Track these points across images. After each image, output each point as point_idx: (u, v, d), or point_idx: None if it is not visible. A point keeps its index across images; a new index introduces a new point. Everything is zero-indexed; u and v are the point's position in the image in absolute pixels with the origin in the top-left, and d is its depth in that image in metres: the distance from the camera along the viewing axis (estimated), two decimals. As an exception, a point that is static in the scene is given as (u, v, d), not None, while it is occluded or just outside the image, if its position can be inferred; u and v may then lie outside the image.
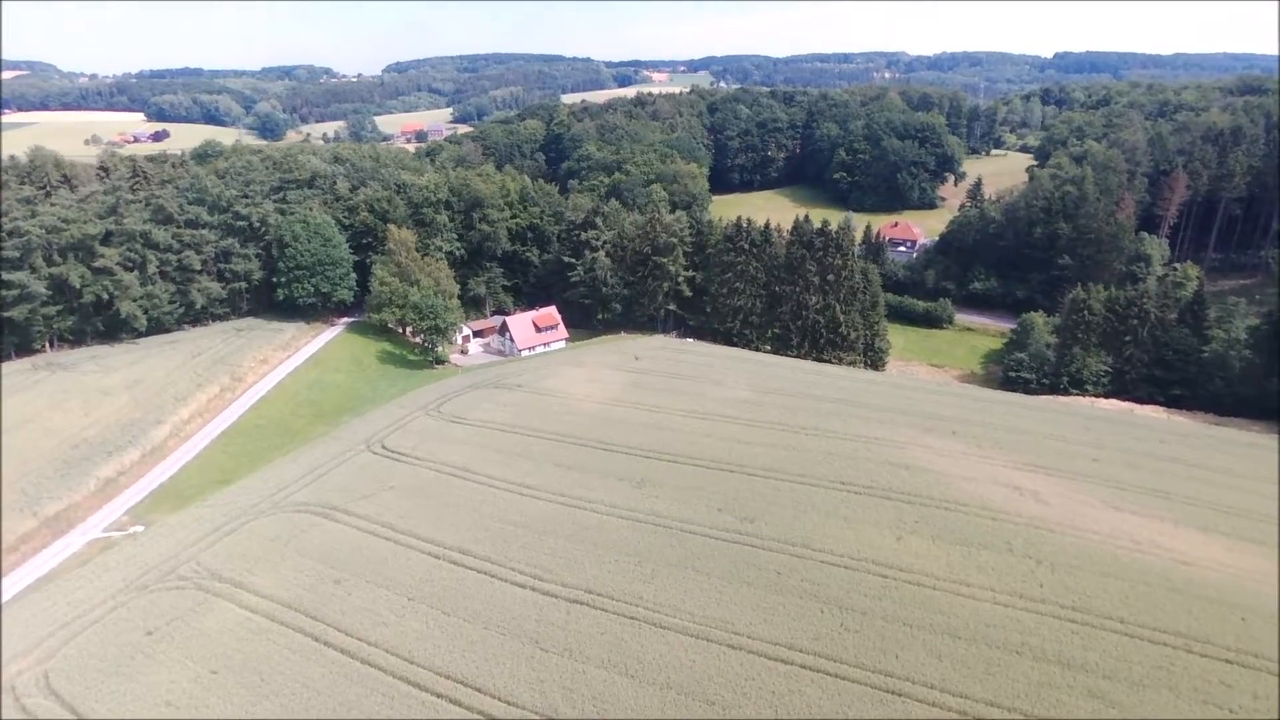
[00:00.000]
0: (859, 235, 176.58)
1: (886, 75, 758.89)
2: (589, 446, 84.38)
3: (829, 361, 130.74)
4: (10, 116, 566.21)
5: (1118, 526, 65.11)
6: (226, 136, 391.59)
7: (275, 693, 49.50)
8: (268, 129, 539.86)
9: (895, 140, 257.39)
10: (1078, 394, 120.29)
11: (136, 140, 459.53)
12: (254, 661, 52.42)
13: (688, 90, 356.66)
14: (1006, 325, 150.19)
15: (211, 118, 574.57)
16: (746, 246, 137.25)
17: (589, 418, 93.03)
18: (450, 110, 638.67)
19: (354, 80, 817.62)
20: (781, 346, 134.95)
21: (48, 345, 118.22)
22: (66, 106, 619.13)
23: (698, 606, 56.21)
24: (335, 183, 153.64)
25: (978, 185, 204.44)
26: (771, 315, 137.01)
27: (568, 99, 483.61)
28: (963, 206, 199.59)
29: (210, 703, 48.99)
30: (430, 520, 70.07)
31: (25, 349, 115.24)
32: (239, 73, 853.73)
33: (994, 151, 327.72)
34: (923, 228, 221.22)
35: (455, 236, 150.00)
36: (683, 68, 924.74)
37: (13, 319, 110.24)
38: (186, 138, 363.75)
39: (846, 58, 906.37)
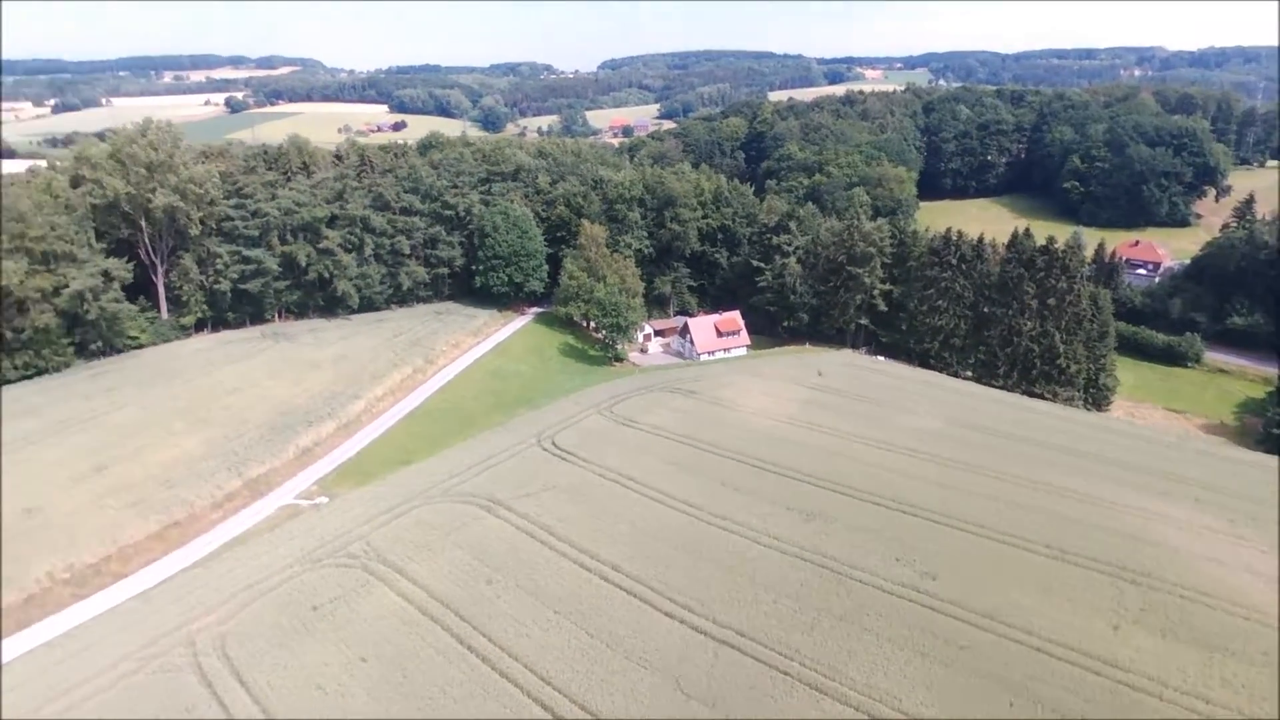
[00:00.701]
0: (1089, 254, 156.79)
1: (1136, 73, 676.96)
2: (758, 467, 79.49)
3: (1041, 396, 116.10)
4: (281, 107, 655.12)
5: None
6: (454, 128, 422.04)
7: (414, 693, 49.43)
8: (490, 121, 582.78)
9: (1143, 147, 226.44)
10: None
11: (380, 130, 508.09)
12: (400, 655, 52.85)
13: (902, 89, 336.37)
14: (1272, 370, 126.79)
15: (443, 110, 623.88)
16: (954, 261, 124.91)
17: (762, 435, 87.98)
18: (657, 106, 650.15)
19: (570, 76, 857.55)
20: (985, 374, 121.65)
21: (276, 316, 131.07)
22: (326, 99, 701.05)
23: (861, 672, 50.04)
24: (537, 176, 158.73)
25: (1248, 202, 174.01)
26: (977, 338, 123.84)
27: (774, 96, 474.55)
28: (1225, 226, 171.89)
29: (354, 692, 49.76)
30: (587, 528, 68.46)
31: (258, 318, 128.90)
32: (470, 69, 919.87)
33: (1270, 163, 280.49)
34: (1169, 248, 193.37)
35: (645, 234, 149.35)
36: (899, 64, 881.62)
37: (249, 291, 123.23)
38: (420, 128, 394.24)
39: (1089, 53, 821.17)
